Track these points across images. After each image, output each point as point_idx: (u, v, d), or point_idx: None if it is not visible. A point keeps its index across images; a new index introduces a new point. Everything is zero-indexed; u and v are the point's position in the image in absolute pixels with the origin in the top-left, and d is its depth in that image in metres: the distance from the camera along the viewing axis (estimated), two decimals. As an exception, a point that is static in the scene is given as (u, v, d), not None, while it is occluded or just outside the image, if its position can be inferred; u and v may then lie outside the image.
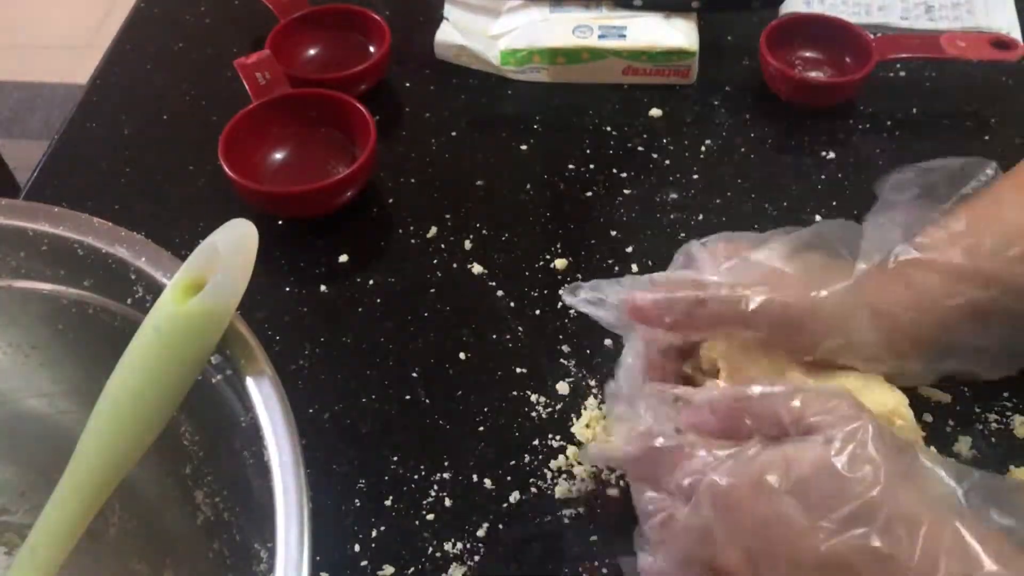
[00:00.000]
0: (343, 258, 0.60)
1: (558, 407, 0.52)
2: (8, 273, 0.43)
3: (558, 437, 0.51)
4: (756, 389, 0.39)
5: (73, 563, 0.39)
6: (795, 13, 0.71)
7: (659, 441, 0.39)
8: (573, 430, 0.51)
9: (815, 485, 0.35)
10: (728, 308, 0.43)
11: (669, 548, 0.38)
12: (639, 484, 0.41)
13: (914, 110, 0.67)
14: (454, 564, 0.46)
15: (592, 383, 0.53)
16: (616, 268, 0.58)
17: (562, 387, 0.53)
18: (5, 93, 1.90)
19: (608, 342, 0.54)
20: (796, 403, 0.37)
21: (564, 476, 0.49)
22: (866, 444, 0.35)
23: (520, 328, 0.56)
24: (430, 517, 0.48)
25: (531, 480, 0.49)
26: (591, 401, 0.52)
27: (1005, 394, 0.51)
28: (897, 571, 0.33)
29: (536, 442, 0.51)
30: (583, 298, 0.46)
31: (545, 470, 0.49)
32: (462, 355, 0.54)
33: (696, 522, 0.37)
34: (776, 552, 0.35)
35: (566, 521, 0.48)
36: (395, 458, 0.50)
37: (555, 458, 0.50)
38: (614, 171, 0.64)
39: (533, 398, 0.52)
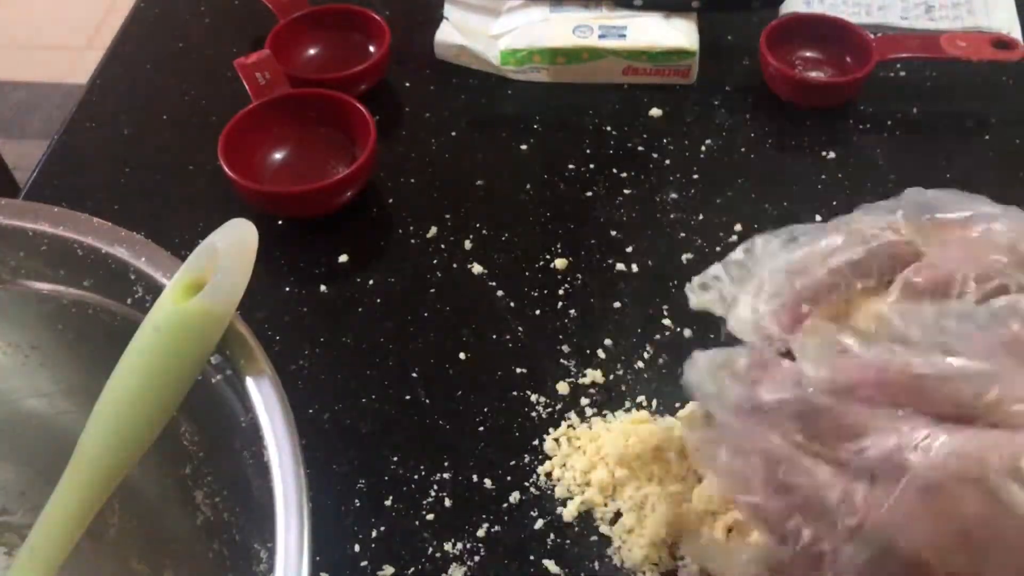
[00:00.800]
0: (343, 258, 0.60)
1: (558, 407, 0.52)
2: (8, 273, 0.43)
3: (558, 437, 0.51)
4: (953, 362, 0.31)
5: (73, 563, 0.39)
6: (795, 13, 0.71)
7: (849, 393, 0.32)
8: (546, 447, 0.50)
9: None
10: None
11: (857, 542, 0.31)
12: (784, 445, 0.33)
13: (914, 110, 0.67)
14: (454, 564, 0.46)
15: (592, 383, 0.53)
16: (616, 268, 0.58)
17: (562, 387, 0.53)
18: (5, 93, 1.90)
19: (608, 342, 0.55)
20: (995, 391, 0.30)
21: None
22: None
23: (520, 328, 0.56)
24: (430, 517, 0.48)
25: (531, 480, 0.49)
26: (583, 400, 0.52)
27: None
28: None
29: (536, 442, 0.51)
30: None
31: (545, 470, 0.49)
32: (462, 355, 0.54)
33: (897, 516, 0.30)
34: (1006, 561, 0.30)
35: (566, 521, 0.48)
36: (395, 458, 0.50)
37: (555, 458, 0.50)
38: (614, 171, 0.64)
39: (533, 398, 0.52)
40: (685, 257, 0.59)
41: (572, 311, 0.56)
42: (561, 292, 0.57)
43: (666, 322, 0.55)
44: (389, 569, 0.46)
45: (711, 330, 0.55)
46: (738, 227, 0.60)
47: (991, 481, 0.29)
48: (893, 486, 0.30)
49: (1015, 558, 0.30)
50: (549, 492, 0.49)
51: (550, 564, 0.46)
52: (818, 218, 0.60)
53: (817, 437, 0.32)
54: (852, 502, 0.31)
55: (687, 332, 0.55)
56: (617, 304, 0.56)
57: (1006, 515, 0.29)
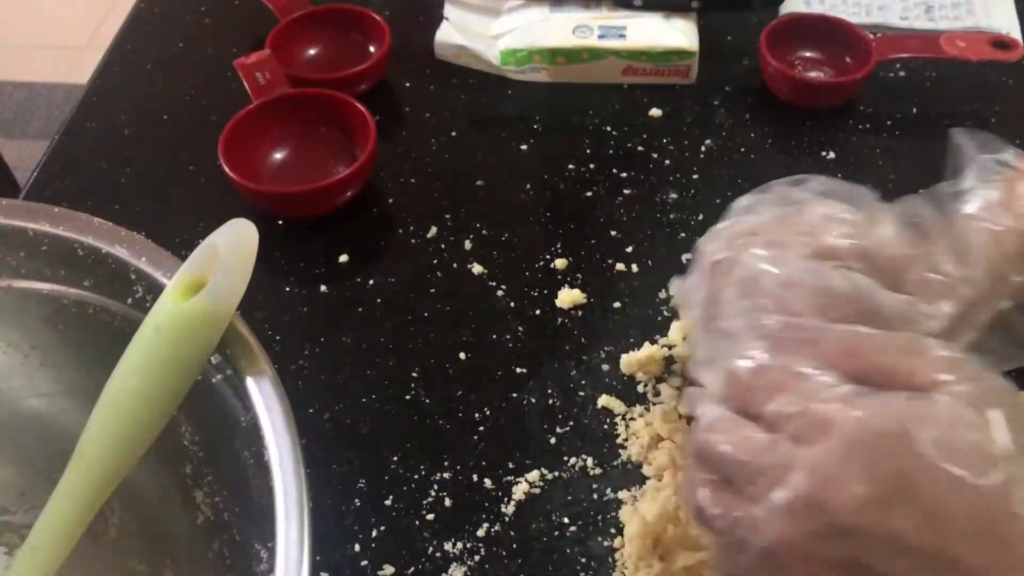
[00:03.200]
0: (343, 258, 0.60)
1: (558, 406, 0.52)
2: (8, 273, 0.43)
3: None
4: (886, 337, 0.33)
5: (73, 563, 0.39)
6: (795, 13, 0.71)
7: (764, 357, 0.33)
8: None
9: (960, 442, 0.30)
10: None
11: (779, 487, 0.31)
12: (720, 413, 0.34)
13: (914, 110, 0.67)
14: (454, 564, 0.46)
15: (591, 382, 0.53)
16: (616, 267, 0.58)
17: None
18: (5, 93, 1.90)
19: (608, 341, 0.54)
20: (926, 358, 0.32)
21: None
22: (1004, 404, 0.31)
23: (520, 328, 0.56)
24: (430, 517, 0.48)
25: (532, 480, 0.49)
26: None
27: None
28: None
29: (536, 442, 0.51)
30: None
31: (545, 470, 0.49)
32: (462, 355, 0.54)
33: (815, 460, 0.30)
34: (916, 506, 0.30)
35: (566, 520, 0.48)
36: (395, 458, 0.50)
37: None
38: (614, 171, 0.64)
39: (533, 398, 0.52)
40: (685, 257, 0.59)
41: (573, 311, 0.56)
42: (561, 292, 0.57)
43: (665, 322, 0.55)
44: (389, 569, 0.46)
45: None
46: (738, 227, 0.60)
47: (915, 442, 0.30)
48: (820, 441, 0.30)
49: (930, 518, 0.30)
50: (549, 492, 0.49)
51: (550, 565, 0.46)
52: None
53: (744, 401, 0.33)
54: (777, 462, 0.31)
55: (687, 332, 0.55)
56: (617, 304, 0.56)
57: (926, 471, 0.29)
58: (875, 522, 0.30)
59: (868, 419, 0.30)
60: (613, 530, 0.47)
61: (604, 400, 0.52)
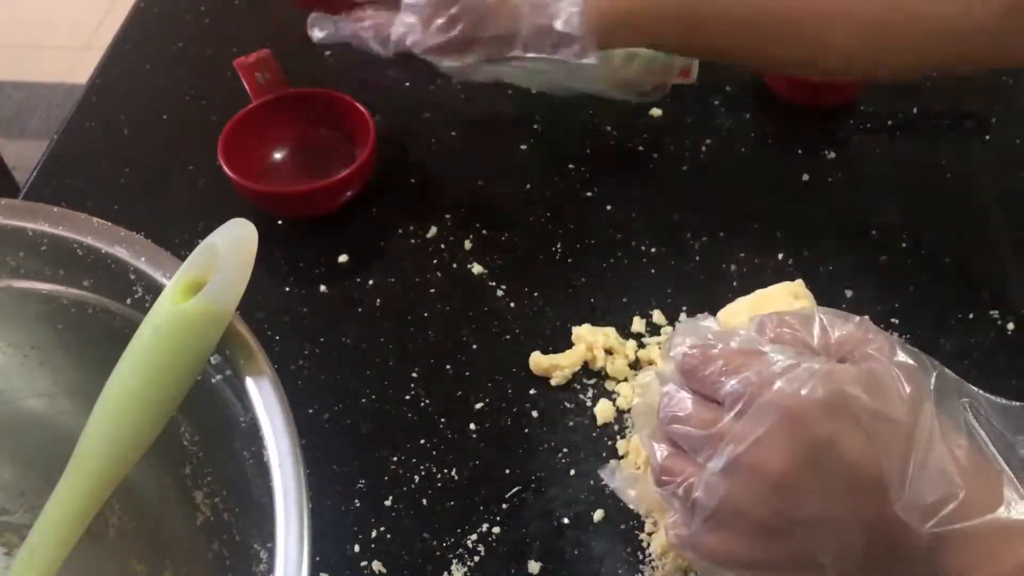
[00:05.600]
0: (343, 258, 0.60)
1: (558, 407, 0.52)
2: (8, 273, 0.43)
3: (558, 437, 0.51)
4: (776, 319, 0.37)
5: (73, 563, 0.39)
6: (795, 13, 0.71)
7: (716, 348, 0.37)
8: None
9: (874, 405, 0.34)
10: None
11: (716, 454, 0.35)
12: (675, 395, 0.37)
13: (914, 110, 0.67)
14: (454, 564, 0.46)
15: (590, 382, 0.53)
16: (616, 268, 0.58)
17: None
18: (5, 93, 1.90)
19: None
20: (825, 329, 0.37)
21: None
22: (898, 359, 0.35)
23: (520, 328, 0.56)
24: (430, 517, 0.48)
25: (531, 480, 0.49)
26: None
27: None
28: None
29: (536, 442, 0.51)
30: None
31: (544, 470, 0.49)
32: (462, 355, 0.54)
33: (749, 431, 0.34)
34: (837, 472, 0.34)
35: (566, 521, 0.48)
36: (395, 458, 0.50)
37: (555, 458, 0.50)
38: (614, 171, 0.64)
39: (533, 399, 0.52)
40: (685, 257, 0.59)
41: (572, 312, 0.56)
42: (560, 293, 0.57)
43: (664, 322, 0.55)
44: (388, 569, 0.46)
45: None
46: (736, 228, 0.60)
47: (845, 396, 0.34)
48: (758, 414, 0.34)
49: (847, 477, 0.34)
50: (549, 492, 0.49)
51: (550, 564, 0.46)
52: (819, 216, 0.60)
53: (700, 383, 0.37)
54: (720, 432, 0.35)
55: (687, 332, 0.55)
56: (616, 304, 0.56)
57: (849, 434, 0.34)
58: (804, 478, 0.34)
59: (792, 391, 0.34)
60: (614, 528, 0.47)
61: (601, 404, 0.52)
